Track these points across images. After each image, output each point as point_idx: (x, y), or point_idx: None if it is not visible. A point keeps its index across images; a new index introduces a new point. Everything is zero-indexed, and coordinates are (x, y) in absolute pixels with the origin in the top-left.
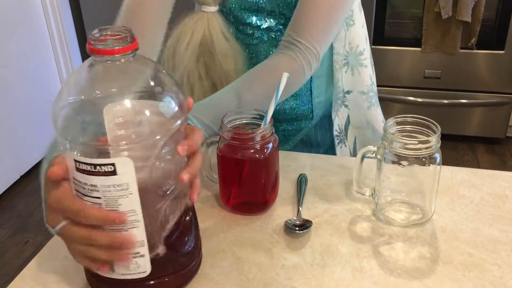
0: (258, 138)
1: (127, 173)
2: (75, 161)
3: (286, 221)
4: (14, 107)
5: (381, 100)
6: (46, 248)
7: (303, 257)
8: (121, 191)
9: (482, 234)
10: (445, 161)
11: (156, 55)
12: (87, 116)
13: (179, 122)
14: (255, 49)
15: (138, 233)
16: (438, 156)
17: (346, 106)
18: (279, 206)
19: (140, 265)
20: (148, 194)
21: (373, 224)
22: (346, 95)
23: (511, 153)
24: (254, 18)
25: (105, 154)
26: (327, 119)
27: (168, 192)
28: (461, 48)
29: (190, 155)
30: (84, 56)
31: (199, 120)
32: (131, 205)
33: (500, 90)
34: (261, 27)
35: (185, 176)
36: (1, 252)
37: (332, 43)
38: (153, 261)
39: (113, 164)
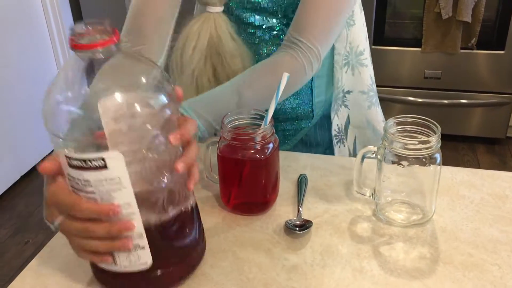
0: (258, 139)
1: (118, 166)
2: (66, 157)
3: (286, 221)
4: (14, 107)
5: (381, 100)
6: (47, 248)
7: (303, 257)
8: (114, 185)
9: (482, 234)
10: (445, 161)
11: (163, 55)
12: (77, 111)
13: (169, 111)
14: (256, 49)
15: (136, 226)
16: (438, 156)
17: (346, 106)
18: (279, 207)
19: (141, 257)
20: (144, 186)
21: (373, 224)
22: (346, 95)
23: (511, 153)
24: (255, 18)
25: (103, 148)
26: (326, 118)
27: (164, 184)
28: (461, 48)
29: (185, 145)
30: None
31: (197, 114)
32: (125, 198)
33: (500, 90)
34: (263, 26)
35: (180, 166)
36: (2, 252)
37: (333, 44)
38: (155, 252)
39: (103, 159)
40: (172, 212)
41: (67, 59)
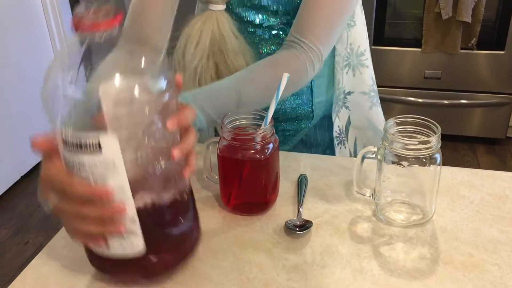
0: (258, 139)
1: (113, 149)
2: (63, 139)
3: (287, 222)
4: (14, 107)
5: (382, 100)
6: (47, 249)
7: (303, 258)
8: (109, 169)
9: (483, 234)
10: (446, 162)
11: (162, 53)
12: (76, 95)
13: (168, 98)
14: (256, 48)
15: (128, 211)
16: (438, 156)
17: (347, 107)
18: (280, 207)
19: (133, 243)
20: (139, 172)
21: (374, 225)
22: (347, 96)
23: (511, 154)
24: (256, 16)
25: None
26: (327, 119)
27: (159, 170)
28: (461, 49)
29: (183, 133)
30: None
31: (197, 105)
32: (119, 182)
33: (500, 90)
34: (263, 25)
35: (176, 152)
36: (2, 252)
37: (334, 45)
38: (148, 239)
39: (99, 142)
40: (166, 199)
41: (67, 41)
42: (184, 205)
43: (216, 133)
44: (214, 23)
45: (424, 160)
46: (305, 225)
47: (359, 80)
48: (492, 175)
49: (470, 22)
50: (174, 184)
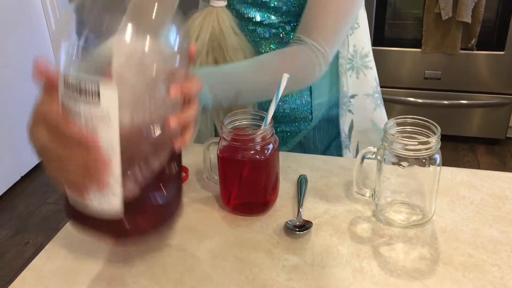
0: (258, 139)
1: (111, 102)
2: (64, 78)
3: (287, 222)
4: (14, 107)
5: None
6: (47, 249)
7: (303, 258)
8: (103, 124)
9: (482, 234)
10: (445, 162)
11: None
12: (90, 41)
13: (177, 62)
14: (256, 46)
15: (113, 167)
16: (438, 157)
17: (350, 111)
18: (280, 207)
19: (111, 202)
20: (133, 134)
21: (373, 225)
22: (351, 99)
23: (511, 154)
24: (256, 13)
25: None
26: (326, 122)
27: (153, 136)
28: (461, 49)
29: (185, 104)
30: None
31: (207, 83)
32: (109, 137)
33: (500, 91)
34: (263, 23)
35: (173, 121)
36: (2, 253)
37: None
38: (128, 203)
39: (98, 89)
40: (153, 167)
41: None
42: (171, 178)
43: (216, 134)
44: (215, 19)
45: (424, 160)
46: (305, 226)
47: (363, 82)
48: (492, 175)
49: (470, 22)
50: (164, 154)
